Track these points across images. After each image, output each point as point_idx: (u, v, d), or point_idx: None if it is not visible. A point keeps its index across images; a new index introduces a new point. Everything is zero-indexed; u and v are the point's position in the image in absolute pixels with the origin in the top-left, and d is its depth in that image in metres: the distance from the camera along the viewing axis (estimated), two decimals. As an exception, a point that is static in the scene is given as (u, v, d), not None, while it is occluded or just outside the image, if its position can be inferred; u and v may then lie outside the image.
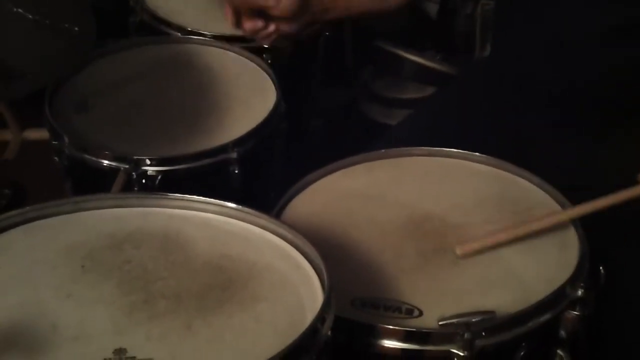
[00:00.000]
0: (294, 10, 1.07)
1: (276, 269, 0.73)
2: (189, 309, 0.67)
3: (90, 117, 1.13)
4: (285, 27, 1.11)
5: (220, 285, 0.70)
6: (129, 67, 1.24)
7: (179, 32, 1.34)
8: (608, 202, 0.85)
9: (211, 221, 0.80)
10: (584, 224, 0.87)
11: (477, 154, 0.99)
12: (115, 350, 0.61)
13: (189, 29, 1.33)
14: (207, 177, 1.08)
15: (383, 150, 1.02)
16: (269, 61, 1.29)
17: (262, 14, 1.09)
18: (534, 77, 1.07)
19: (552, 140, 1.05)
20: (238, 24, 1.11)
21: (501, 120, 1.09)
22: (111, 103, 1.16)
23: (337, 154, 1.07)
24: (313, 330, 0.64)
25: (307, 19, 1.11)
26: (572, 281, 0.80)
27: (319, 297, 0.69)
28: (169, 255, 0.74)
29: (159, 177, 1.05)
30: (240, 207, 0.79)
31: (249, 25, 1.11)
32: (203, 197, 0.80)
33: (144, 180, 1.05)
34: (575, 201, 0.89)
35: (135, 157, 1.04)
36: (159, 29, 1.36)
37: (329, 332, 0.67)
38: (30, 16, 0.83)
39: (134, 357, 0.62)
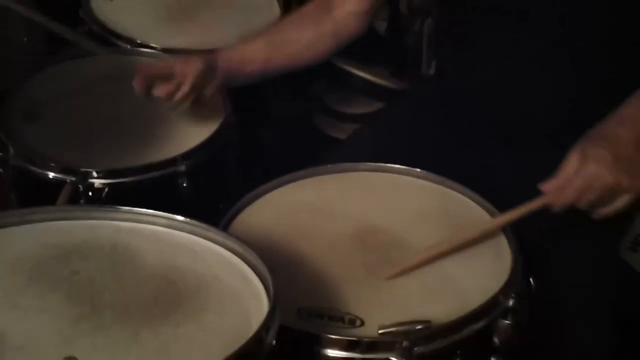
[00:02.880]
0: (199, 74, 1.07)
1: (224, 281, 0.75)
2: (136, 320, 0.68)
3: (37, 127, 1.12)
4: (195, 92, 1.09)
5: (167, 296, 0.71)
6: (79, 78, 1.23)
7: (127, 44, 1.34)
8: (522, 212, 0.90)
9: (159, 234, 0.81)
10: (518, 234, 0.92)
11: (420, 170, 1.03)
12: (66, 358, 0.61)
13: (138, 42, 1.34)
14: (155, 189, 1.08)
15: (331, 165, 1.05)
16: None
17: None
18: (477, 97, 1.10)
19: (493, 158, 1.10)
20: (147, 92, 1.09)
21: (445, 138, 1.13)
22: (59, 113, 1.16)
23: (287, 166, 1.09)
24: (257, 339, 0.66)
25: (215, 83, 1.10)
26: (505, 291, 0.84)
27: (265, 307, 0.71)
28: (117, 267, 0.75)
29: (106, 190, 1.05)
30: (189, 220, 0.81)
31: (163, 89, 1.08)
32: (152, 210, 0.81)
33: (90, 193, 1.04)
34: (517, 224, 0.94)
35: (82, 169, 1.04)
36: (108, 40, 1.36)
37: (274, 342, 0.69)
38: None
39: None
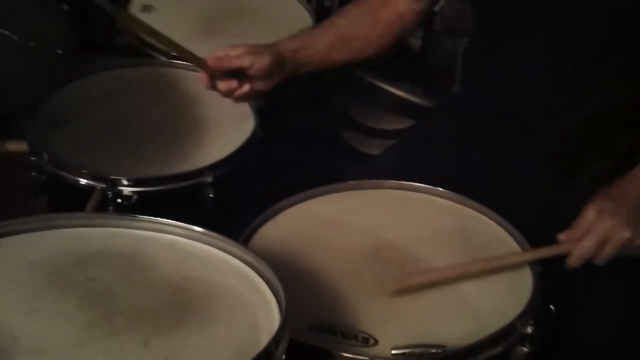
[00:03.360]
0: (268, 70, 1.11)
1: (236, 292, 0.75)
2: (147, 327, 0.69)
3: (70, 134, 1.16)
4: (260, 85, 1.14)
5: (179, 305, 0.72)
6: (112, 87, 1.26)
7: (164, 56, 1.37)
8: (534, 256, 0.91)
9: (177, 243, 0.82)
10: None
11: (441, 189, 1.02)
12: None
13: (174, 54, 1.37)
14: (182, 199, 1.10)
15: (353, 182, 1.06)
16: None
17: (236, 74, 1.13)
18: (503, 115, 1.11)
19: (519, 178, 1.09)
20: (213, 86, 1.14)
21: (473, 157, 1.13)
22: (92, 121, 1.19)
23: (312, 179, 1.10)
24: (267, 352, 0.66)
25: (282, 76, 1.14)
26: (523, 317, 0.82)
27: (275, 320, 0.72)
28: (132, 275, 0.76)
29: (135, 197, 1.08)
30: (206, 231, 0.82)
31: (224, 85, 1.13)
32: (171, 219, 0.83)
33: (119, 200, 1.07)
34: (537, 239, 0.93)
35: (112, 176, 1.07)
36: (144, 51, 1.39)
37: (283, 356, 0.69)
38: (15, 37, 0.86)
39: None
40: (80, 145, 1.14)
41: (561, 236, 0.91)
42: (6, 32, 0.89)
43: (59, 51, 0.93)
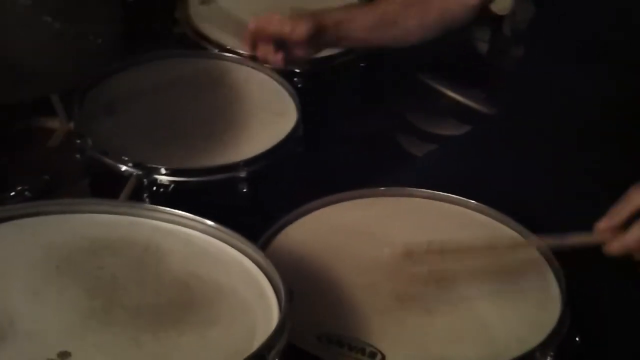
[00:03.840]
0: (307, 37, 1.12)
1: (240, 295, 0.74)
2: (144, 323, 0.69)
3: (115, 121, 1.18)
4: (299, 52, 1.15)
5: (181, 304, 0.72)
6: (161, 78, 1.28)
7: (217, 48, 1.38)
8: (570, 243, 0.85)
9: (192, 238, 0.82)
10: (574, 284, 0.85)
11: (474, 202, 0.98)
12: (60, 352, 0.64)
13: (227, 47, 1.37)
14: (216, 192, 1.11)
15: (384, 188, 1.03)
16: (299, 85, 1.32)
17: (277, 40, 1.14)
18: (542, 131, 1.07)
19: (552, 197, 1.04)
20: (254, 48, 1.17)
21: (511, 170, 1.08)
22: (138, 109, 1.21)
23: (359, 181, 1.08)
24: (258, 357, 0.65)
25: (321, 46, 1.15)
26: (543, 348, 0.77)
27: (274, 326, 0.70)
28: (142, 267, 0.76)
29: (170, 187, 1.09)
30: (219, 226, 0.81)
31: (261, 50, 1.16)
32: (188, 213, 0.83)
33: (154, 188, 1.08)
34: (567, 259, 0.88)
35: (149, 165, 1.09)
36: (199, 43, 1.41)
37: (277, 361, 0.67)
38: (57, 25, 0.89)
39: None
40: (123, 133, 1.16)
41: (600, 225, 0.84)
42: (48, 19, 0.91)
43: (99, 41, 0.95)
